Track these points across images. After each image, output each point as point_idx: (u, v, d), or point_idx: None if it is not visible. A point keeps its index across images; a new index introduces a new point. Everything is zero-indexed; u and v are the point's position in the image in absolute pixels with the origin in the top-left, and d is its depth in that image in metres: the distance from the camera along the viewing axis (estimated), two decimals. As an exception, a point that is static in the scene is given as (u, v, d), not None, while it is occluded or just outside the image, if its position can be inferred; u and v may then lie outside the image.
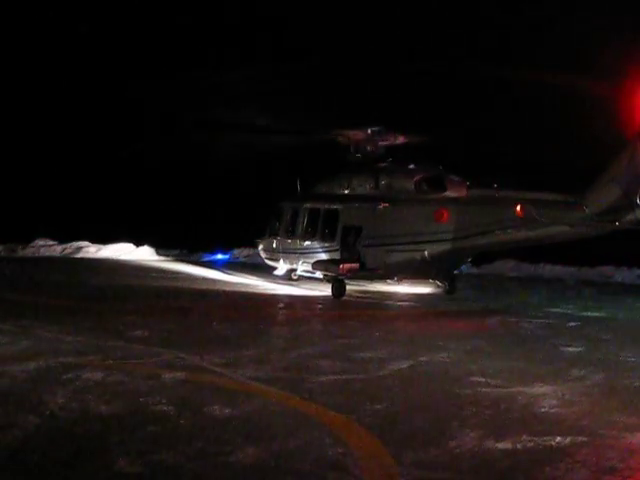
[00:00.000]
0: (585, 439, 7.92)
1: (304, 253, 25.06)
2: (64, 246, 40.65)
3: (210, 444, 7.38)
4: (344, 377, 10.85)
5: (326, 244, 24.25)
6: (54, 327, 14.50)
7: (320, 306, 20.96)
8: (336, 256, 23.74)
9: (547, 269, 36.61)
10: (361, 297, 23.28)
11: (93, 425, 7.93)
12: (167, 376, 10.36)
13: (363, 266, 23.12)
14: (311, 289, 24.53)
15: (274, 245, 26.33)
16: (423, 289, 25.24)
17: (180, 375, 10.47)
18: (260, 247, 27.58)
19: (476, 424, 8.41)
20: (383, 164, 24.59)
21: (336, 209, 24.38)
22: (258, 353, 12.69)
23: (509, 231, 21.00)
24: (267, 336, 15.30)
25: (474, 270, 37.57)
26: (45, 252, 39.40)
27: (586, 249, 31.19)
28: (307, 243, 24.99)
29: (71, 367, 10.71)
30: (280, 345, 13.86)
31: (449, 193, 22.58)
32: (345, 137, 25.11)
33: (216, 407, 8.74)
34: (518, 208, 20.35)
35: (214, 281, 26.63)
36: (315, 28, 44.50)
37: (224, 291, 23.49)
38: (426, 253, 22.23)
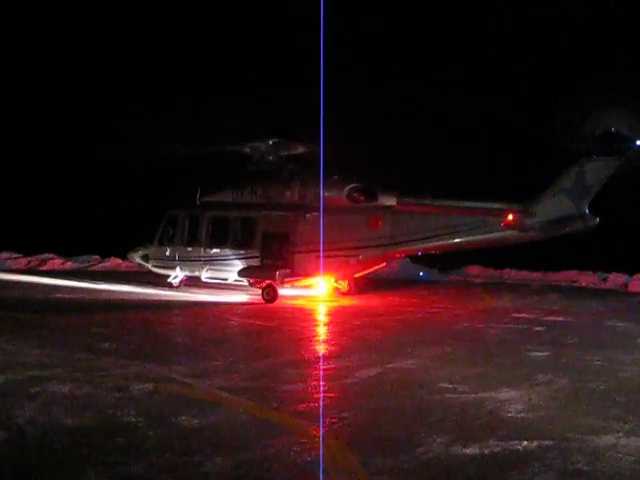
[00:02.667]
0: (551, 443, 8.01)
1: (211, 260, 25.79)
2: (29, 258, 40.33)
3: (179, 455, 7.37)
4: (312, 385, 10.87)
5: (242, 251, 25.15)
6: (20, 341, 14.38)
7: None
8: (255, 263, 24.79)
9: (513, 274, 36.95)
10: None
11: (61, 438, 7.89)
12: (135, 388, 10.32)
13: (293, 272, 24.35)
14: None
15: (167, 253, 26.76)
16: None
17: (148, 386, 10.43)
18: (137, 254, 28.13)
19: (444, 430, 8.47)
20: (308, 174, 25.53)
21: (253, 217, 25.25)
22: (225, 363, 12.68)
23: (447, 236, 23.09)
24: (231, 345, 15.27)
25: (441, 277, 37.80)
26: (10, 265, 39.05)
27: (551, 254, 31.65)
28: (215, 250, 25.71)
29: (39, 380, 10.64)
30: (247, 355, 13.82)
31: (381, 202, 24.11)
32: (247, 148, 26.01)
33: (185, 418, 8.73)
34: (510, 216, 22.36)
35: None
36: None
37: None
38: (361, 257, 23.93)
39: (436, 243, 23.41)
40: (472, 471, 7.13)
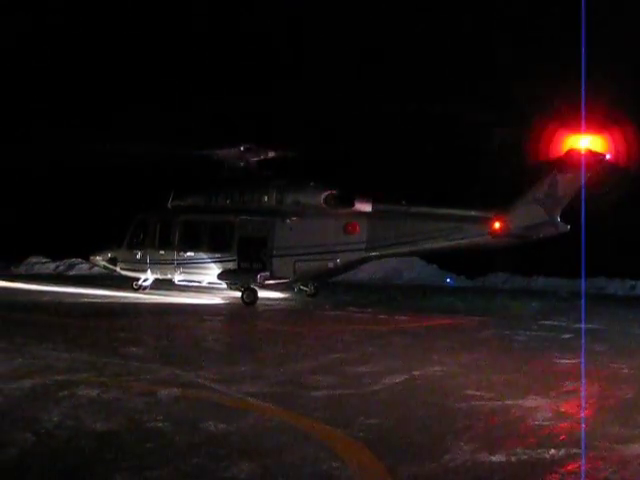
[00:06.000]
0: (579, 451, 7.95)
1: (185, 263, 26.34)
2: (57, 263, 40.70)
3: (206, 460, 7.39)
4: (338, 392, 10.86)
5: (217, 254, 25.74)
6: (48, 344, 14.50)
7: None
8: (231, 266, 25.43)
9: (540, 281, 36.79)
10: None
11: (89, 442, 7.93)
12: (162, 392, 10.35)
13: (272, 275, 25.17)
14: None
15: (138, 256, 27.16)
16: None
17: (175, 391, 10.47)
18: (102, 257, 28.71)
19: (470, 437, 8.43)
20: (284, 180, 26.40)
21: (229, 221, 25.87)
22: (252, 368, 12.71)
23: (422, 242, 24.34)
24: (254, 351, 15.32)
25: (468, 283, 37.73)
26: (38, 269, 39.48)
27: (579, 261, 31.47)
28: (190, 254, 26.25)
29: (66, 384, 10.70)
30: (271, 360, 13.82)
31: (357, 208, 25.20)
32: (218, 154, 26.61)
33: (211, 423, 8.75)
34: (497, 225, 23.60)
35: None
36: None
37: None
38: (339, 261, 24.91)
39: (411, 248, 24.91)
40: (499, 479, 7.09)
